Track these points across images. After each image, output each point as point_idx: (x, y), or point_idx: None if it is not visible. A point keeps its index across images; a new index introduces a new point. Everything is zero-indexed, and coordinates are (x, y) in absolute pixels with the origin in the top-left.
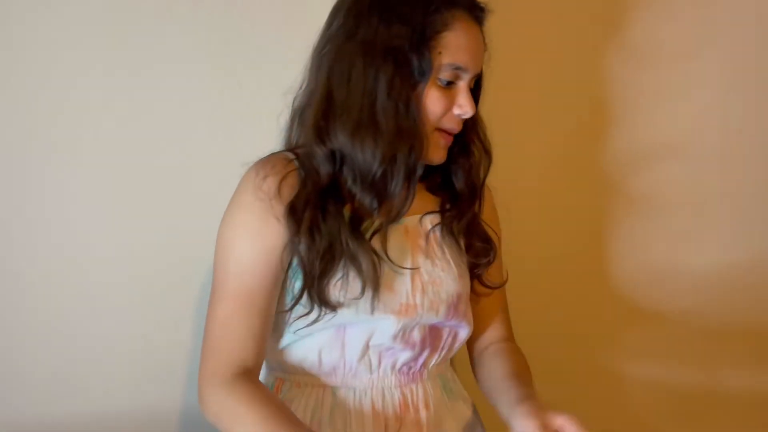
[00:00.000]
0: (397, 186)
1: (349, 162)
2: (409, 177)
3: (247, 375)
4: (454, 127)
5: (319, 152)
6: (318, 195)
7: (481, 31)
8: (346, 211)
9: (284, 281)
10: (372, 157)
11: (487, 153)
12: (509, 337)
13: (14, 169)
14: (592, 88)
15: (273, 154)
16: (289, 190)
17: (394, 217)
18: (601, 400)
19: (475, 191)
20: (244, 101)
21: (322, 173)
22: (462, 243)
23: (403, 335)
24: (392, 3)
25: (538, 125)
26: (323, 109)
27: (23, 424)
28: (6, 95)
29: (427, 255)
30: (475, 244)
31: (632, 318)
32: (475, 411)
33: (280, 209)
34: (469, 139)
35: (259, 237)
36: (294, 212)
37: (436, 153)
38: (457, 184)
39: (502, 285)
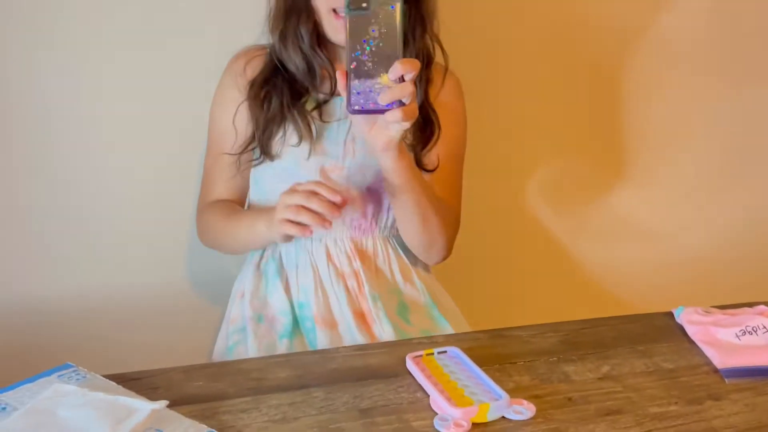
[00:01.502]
0: (296, 56)
1: (280, 50)
2: (309, 48)
3: (221, 200)
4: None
5: (273, 46)
6: (272, 74)
7: None
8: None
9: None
10: (277, 38)
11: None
12: None
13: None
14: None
15: (252, 45)
16: (253, 70)
17: (330, 93)
18: None
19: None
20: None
21: (275, 60)
22: None
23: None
24: None
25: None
26: (268, 15)
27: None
28: None
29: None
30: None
31: None
32: (430, 278)
33: (242, 82)
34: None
35: (227, 104)
36: (252, 85)
37: (338, 33)
38: None
39: (433, 170)
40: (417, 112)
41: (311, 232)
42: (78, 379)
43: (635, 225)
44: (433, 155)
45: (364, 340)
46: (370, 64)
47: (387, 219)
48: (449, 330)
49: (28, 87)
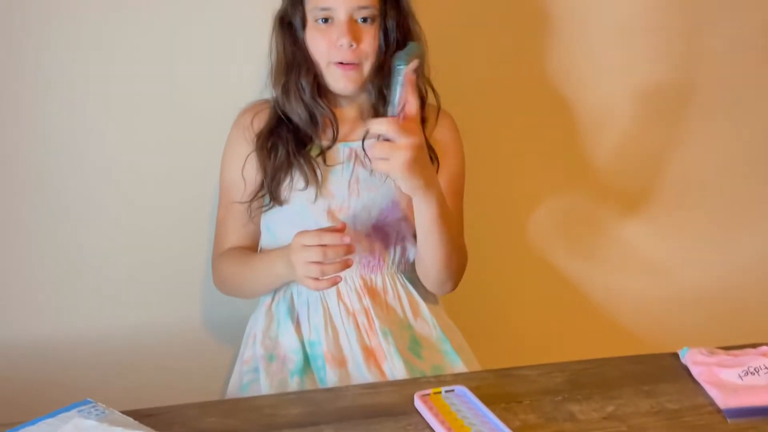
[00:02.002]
0: (299, 107)
1: (283, 102)
2: (311, 98)
3: (235, 248)
4: (344, 57)
5: (276, 99)
6: (277, 125)
7: None
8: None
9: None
10: (280, 91)
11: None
12: None
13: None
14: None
15: (258, 100)
16: (260, 122)
17: (332, 139)
18: None
19: None
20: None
21: (279, 112)
22: None
23: (348, 231)
24: None
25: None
26: (270, 70)
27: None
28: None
29: (367, 167)
30: None
31: None
32: (439, 312)
33: (250, 135)
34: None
35: (237, 156)
36: (259, 137)
37: (338, 83)
38: None
39: None
40: (400, 168)
41: (341, 278)
42: (97, 415)
43: (643, 261)
44: None
45: (373, 378)
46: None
47: (394, 255)
48: (460, 365)
49: (32, 135)
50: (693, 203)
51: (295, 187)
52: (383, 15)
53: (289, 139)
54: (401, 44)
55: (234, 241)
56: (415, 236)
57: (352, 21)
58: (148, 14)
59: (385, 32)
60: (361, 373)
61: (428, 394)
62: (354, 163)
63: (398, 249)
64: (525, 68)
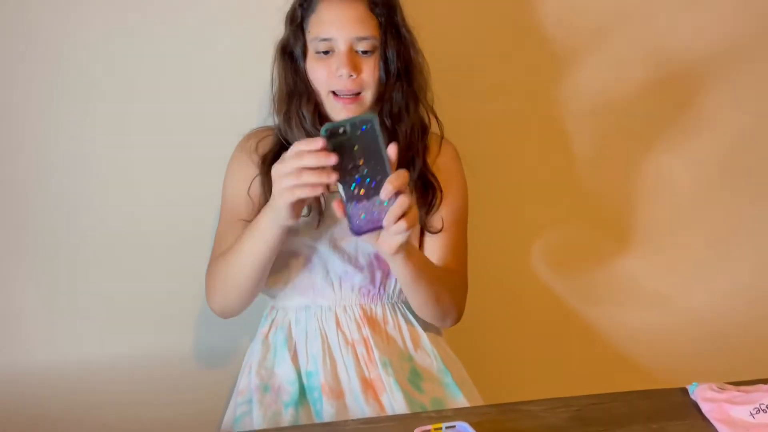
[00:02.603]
0: (300, 135)
1: (285, 130)
2: (312, 126)
3: None
4: (344, 87)
5: (278, 126)
6: (280, 151)
7: (359, 4)
8: None
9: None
10: (282, 120)
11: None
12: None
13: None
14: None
15: (262, 127)
16: (264, 147)
17: None
18: None
19: (411, 146)
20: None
21: (282, 139)
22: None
23: (350, 260)
24: (289, 10)
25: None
26: (272, 99)
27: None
28: None
29: None
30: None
31: None
32: (440, 343)
33: (255, 158)
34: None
35: (241, 177)
36: (264, 160)
37: (339, 114)
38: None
39: (438, 232)
40: (417, 218)
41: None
42: None
43: (648, 292)
44: (437, 218)
45: (371, 411)
46: (363, 188)
47: (395, 286)
48: (461, 398)
49: (38, 153)
50: (690, 227)
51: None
52: (384, 45)
53: None
54: (403, 74)
55: None
56: None
57: (351, 52)
58: (155, 26)
59: (386, 62)
60: (359, 406)
61: (428, 430)
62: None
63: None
64: (528, 99)
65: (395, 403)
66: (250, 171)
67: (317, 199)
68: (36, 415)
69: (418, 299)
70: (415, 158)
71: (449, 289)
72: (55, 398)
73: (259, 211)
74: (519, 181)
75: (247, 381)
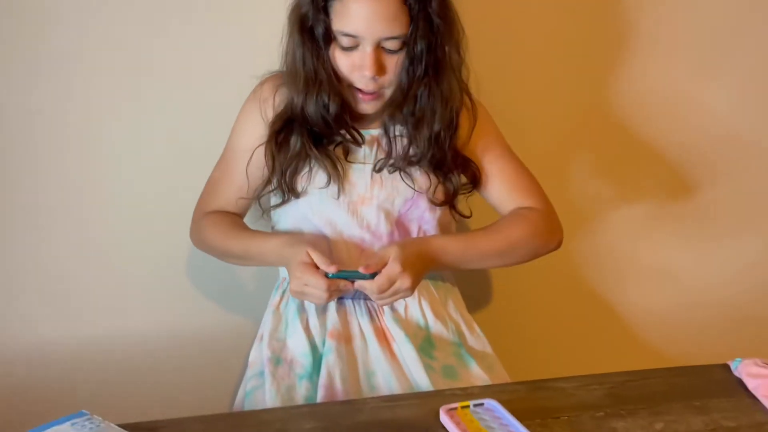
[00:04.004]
0: (318, 119)
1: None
2: (333, 121)
3: (221, 211)
4: (364, 86)
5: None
6: (291, 123)
7: (388, 1)
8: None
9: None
10: (298, 98)
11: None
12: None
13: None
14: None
15: (279, 71)
16: (281, 99)
17: (351, 139)
18: None
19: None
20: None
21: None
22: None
23: (368, 226)
24: None
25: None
26: (285, 69)
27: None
28: None
29: (391, 156)
30: (451, 176)
31: None
32: (464, 315)
33: (267, 111)
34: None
35: (247, 130)
36: (273, 124)
37: (358, 105)
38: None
39: (468, 216)
40: (406, 290)
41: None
42: (91, 428)
43: (680, 275)
44: (464, 205)
45: (381, 354)
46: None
47: None
48: (476, 370)
49: (33, 143)
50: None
51: (314, 181)
52: (413, 40)
53: (305, 132)
54: (431, 70)
55: (223, 205)
56: (439, 227)
57: (378, 50)
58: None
59: (412, 60)
60: (368, 349)
61: (455, 409)
62: (376, 151)
63: None
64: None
65: (405, 353)
66: (258, 127)
67: (335, 166)
68: (36, 391)
69: (491, 266)
70: (443, 161)
71: (527, 233)
72: (70, 374)
73: (264, 183)
74: (554, 162)
75: (258, 352)
